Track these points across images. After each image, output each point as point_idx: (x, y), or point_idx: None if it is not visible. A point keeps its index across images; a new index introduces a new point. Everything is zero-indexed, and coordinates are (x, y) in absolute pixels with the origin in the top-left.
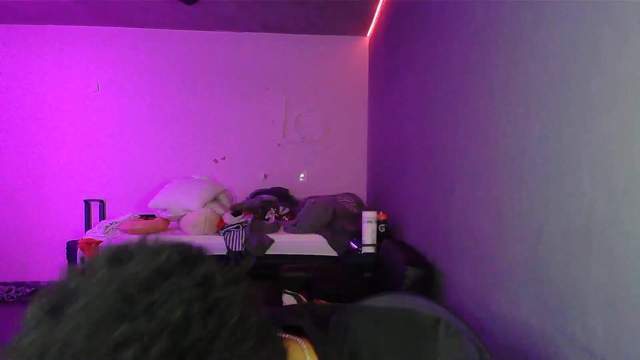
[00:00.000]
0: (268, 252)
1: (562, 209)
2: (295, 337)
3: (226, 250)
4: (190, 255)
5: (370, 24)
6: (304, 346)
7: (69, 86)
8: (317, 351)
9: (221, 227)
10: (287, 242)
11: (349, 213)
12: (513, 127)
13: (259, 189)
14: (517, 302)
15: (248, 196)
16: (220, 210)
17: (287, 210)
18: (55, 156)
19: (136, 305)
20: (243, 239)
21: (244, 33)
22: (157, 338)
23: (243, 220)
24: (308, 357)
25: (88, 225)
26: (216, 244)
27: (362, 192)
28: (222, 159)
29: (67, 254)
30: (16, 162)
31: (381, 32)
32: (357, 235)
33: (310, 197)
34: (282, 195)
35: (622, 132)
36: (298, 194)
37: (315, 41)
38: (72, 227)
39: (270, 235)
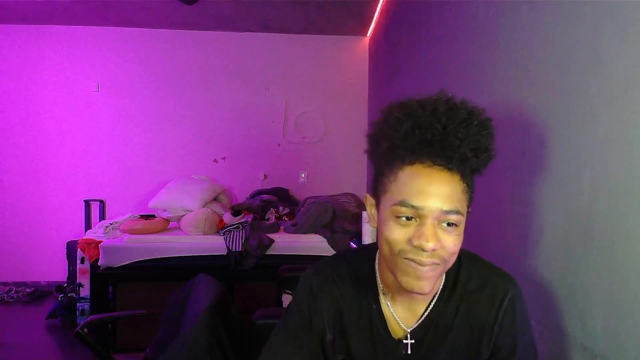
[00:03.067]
0: (268, 252)
1: (562, 209)
2: None
3: (226, 250)
4: None
5: (370, 24)
6: None
7: (69, 86)
8: None
9: (221, 227)
10: (287, 242)
11: (349, 213)
12: (513, 127)
13: (259, 189)
14: None
15: (248, 196)
16: (220, 210)
17: (287, 210)
18: (55, 156)
19: None
20: (243, 239)
21: (244, 33)
22: None
23: (243, 220)
24: None
25: (88, 225)
26: (216, 244)
27: (362, 192)
28: (222, 159)
29: (67, 254)
30: (16, 162)
31: (381, 32)
32: (357, 235)
33: (310, 197)
34: (282, 196)
35: (622, 132)
36: (298, 194)
37: (315, 41)
38: (72, 227)
39: (270, 235)
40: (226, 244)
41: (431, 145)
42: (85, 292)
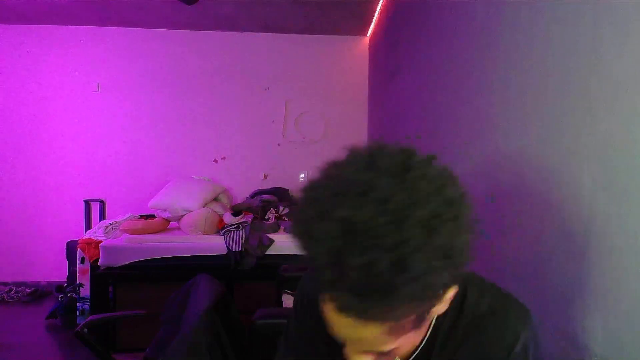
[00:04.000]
0: (268, 252)
1: (562, 209)
2: None
3: (226, 250)
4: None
5: (370, 24)
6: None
7: (69, 86)
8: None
9: (221, 227)
10: (287, 242)
11: None
12: (513, 127)
13: (259, 189)
14: None
15: (248, 196)
16: (220, 210)
17: (287, 210)
18: (55, 156)
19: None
20: (243, 239)
21: (244, 33)
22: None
23: (243, 220)
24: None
25: (88, 225)
26: (216, 244)
27: None
28: (222, 159)
29: (67, 254)
30: (16, 162)
31: (381, 32)
32: None
33: None
34: (282, 195)
35: (622, 132)
36: (298, 194)
37: (315, 41)
38: (72, 227)
39: (270, 235)
40: (226, 244)
41: None
42: (85, 292)
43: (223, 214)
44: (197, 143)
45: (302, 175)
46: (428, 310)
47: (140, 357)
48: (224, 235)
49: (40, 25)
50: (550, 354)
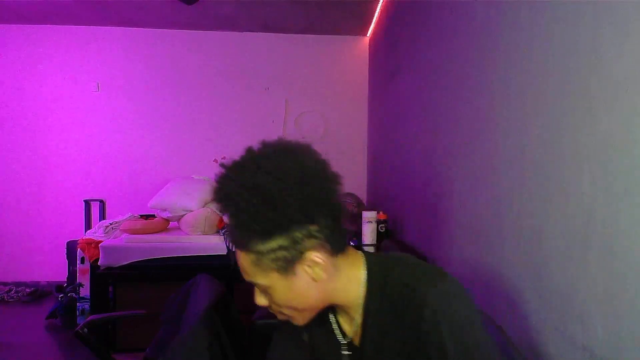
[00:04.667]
0: None
1: (562, 209)
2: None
3: (226, 250)
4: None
5: (370, 24)
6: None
7: (69, 86)
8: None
9: (221, 227)
10: None
11: (349, 213)
12: (513, 127)
13: None
14: (517, 302)
15: None
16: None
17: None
18: (55, 156)
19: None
20: None
21: (244, 33)
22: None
23: None
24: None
25: (88, 225)
26: (216, 244)
27: (362, 192)
28: (222, 159)
29: (67, 254)
30: (16, 162)
31: (381, 32)
32: (357, 235)
33: None
34: None
35: (622, 132)
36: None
37: (315, 41)
38: (72, 227)
39: None
40: (226, 244)
41: None
42: (85, 292)
43: (223, 214)
44: (197, 143)
45: None
46: (288, 260)
47: (140, 357)
48: (224, 235)
49: (40, 25)
50: (550, 354)
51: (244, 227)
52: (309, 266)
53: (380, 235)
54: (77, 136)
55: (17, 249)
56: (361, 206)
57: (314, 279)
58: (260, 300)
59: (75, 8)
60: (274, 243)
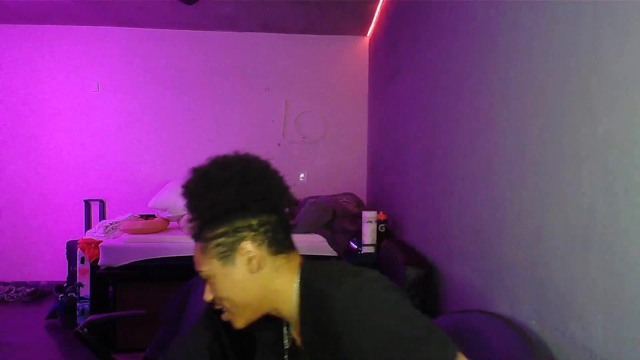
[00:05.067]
0: None
1: (562, 209)
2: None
3: None
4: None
5: (370, 24)
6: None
7: (69, 86)
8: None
9: None
10: None
11: (349, 213)
12: (513, 127)
13: None
14: (517, 302)
15: None
16: None
17: (287, 210)
18: (55, 156)
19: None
20: None
21: (244, 33)
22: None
23: None
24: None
25: (88, 225)
26: None
27: (362, 192)
28: None
29: (67, 254)
30: (16, 162)
31: (381, 32)
32: (357, 235)
33: (310, 197)
34: None
35: (622, 132)
36: (298, 194)
37: (315, 41)
38: (72, 227)
39: None
40: None
41: None
42: (85, 292)
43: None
44: (197, 143)
45: (302, 175)
46: (228, 248)
47: (140, 357)
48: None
49: (40, 25)
50: (550, 354)
51: (194, 214)
52: (246, 257)
53: (380, 235)
54: (77, 136)
55: (17, 249)
56: (361, 206)
57: (251, 272)
58: (207, 295)
59: (75, 8)
60: (217, 230)
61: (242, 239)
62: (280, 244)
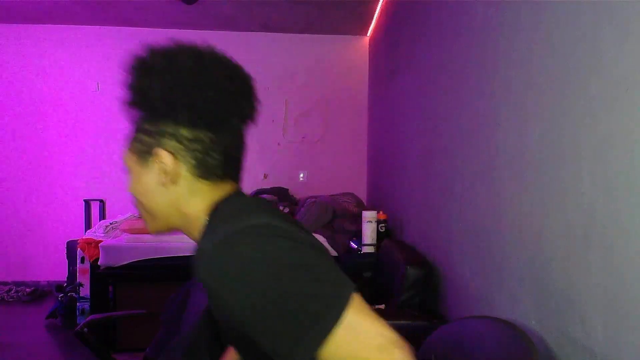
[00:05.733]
0: None
1: (562, 209)
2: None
3: None
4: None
5: (370, 24)
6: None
7: (69, 86)
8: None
9: None
10: None
11: (349, 213)
12: (513, 127)
13: (259, 188)
14: (517, 302)
15: None
16: None
17: (287, 210)
18: (55, 156)
19: None
20: None
21: (244, 33)
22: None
23: None
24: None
25: (88, 225)
26: None
27: (362, 192)
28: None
29: (67, 253)
30: (16, 162)
31: (381, 32)
32: (357, 235)
33: (310, 197)
34: (282, 195)
35: (622, 132)
36: (298, 193)
37: (315, 41)
38: (72, 227)
39: None
40: None
41: None
42: (85, 291)
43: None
44: None
45: (302, 175)
46: (145, 147)
47: (140, 357)
48: None
49: (40, 25)
50: (550, 354)
51: (127, 94)
52: (159, 166)
53: (380, 235)
54: (77, 136)
55: (17, 249)
56: (361, 206)
57: (161, 183)
58: (128, 187)
59: (75, 8)
60: (142, 125)
61: (162, 145)
62: (210, 170)
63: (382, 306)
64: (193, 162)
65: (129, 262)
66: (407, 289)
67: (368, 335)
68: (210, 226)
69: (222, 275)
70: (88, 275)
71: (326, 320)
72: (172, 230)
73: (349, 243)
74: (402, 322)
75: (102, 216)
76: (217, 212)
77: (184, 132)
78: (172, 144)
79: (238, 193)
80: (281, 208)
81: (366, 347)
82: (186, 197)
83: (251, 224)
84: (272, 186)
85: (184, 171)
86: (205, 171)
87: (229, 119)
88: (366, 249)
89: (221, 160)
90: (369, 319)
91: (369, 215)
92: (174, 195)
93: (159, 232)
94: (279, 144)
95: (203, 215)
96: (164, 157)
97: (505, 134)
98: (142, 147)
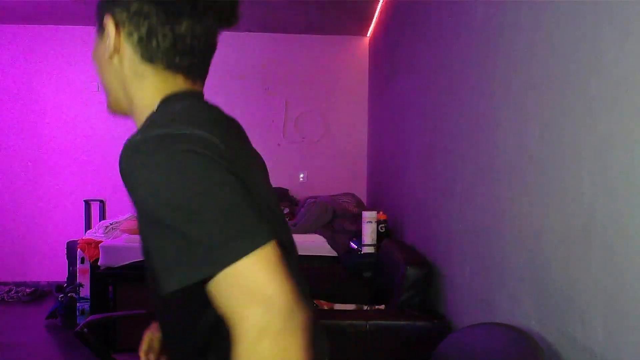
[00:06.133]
0: None
1: (562, 209)
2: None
3: None
4: None
5: (370, 24)
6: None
7: (69, 86)
8: None
9: None
10: None
11: (349, 213)
12: (513, 127)
13: None
14: (517, 302)
15: None
16: None
17: (287, 210)
18: (55, 156)
19: None
20: None
21: (244, 33)
22: None
23: None
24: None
25: (88, 225)
26: None
27: (362, 192)
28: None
29: (67, 254)
30: (16, 162)
31: (381, 32)
32: (357, 235)
33: (310, 197)
34: (282, 195)
35: (622, 132)
36: (298, 194)
37: (315, 41)
38: (72, 227)
39: None
40: None
41: None
42: (85, 292)
43: None
44: None
45: (302, 175)
46: (100, 17)
47: None
48: None
49: (40, 25)
50: (550, 354)
51: None
52: (105, 32)
53: (380, 235)
54: (77, 136)
55: (17, 249)
56: (361, 206)
57: (107, 54)
58: None
59: (75, 8)
60: None
61: (110, 11)
62: (152, 52)
63: (382, 306)
64: (136, 38)
65: (129, 262)
66: (407, 289)
67: (250, 292)
68: (147, 121)
69: (135, 175)
70: (88, 276)
71: (215, 257)
72: (126, 114)
73: (349, 243)
74: (402, 322)
75: (102, 216)
76: (160, 109)
77: (135, 5)
78: (121, 15)
79: (192, 93)
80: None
81: (246, 303)
82: (131, 78)
83: (181, 133)
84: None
85: (128, 48)
86: (148, 52)
87: (190, 4)
88: (366, 249)
89: (167, 46)
90: (269, 275)
91: (369, 216)
92: (120, 73)
93: (116, 113)
94: (279, 144)
95: (148, 106)
96: (108, 25)
97: (505, 134)
98: (99, 15)
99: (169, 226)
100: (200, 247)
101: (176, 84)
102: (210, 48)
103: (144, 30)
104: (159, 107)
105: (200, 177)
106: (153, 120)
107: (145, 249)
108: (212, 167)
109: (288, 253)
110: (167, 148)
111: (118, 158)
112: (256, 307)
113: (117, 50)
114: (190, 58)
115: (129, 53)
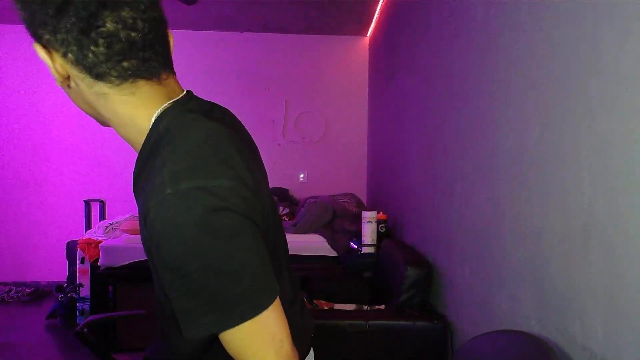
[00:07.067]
0: None
1: (562, 208)
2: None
3: None
4: None
5: (370, 24)
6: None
7: None
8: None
9: None
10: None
11: (349, 213)
12: (513, 127)
13: None
14: (517, 302)
15: None
16: None
17: (287, 210)
18: (55, 156)
19: None
20: None
21: (244, 33)
22: None
23: None
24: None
25: (88, 225)
26: None
27: (362, 192)
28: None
29: (67, 254)
30: (16, 162)
31: (381, 32)
32: (357, 235)
33: (310, 197)
34: (282, 195)
35: (622, 132)
36: (298, 194)
37: (315, 41)
38: (72, 227)
39: None
40: None
41: None
42: (85, 292)
43: None
44: None
45: (302, 175)
46: (40, 38)
47: (140, 357)
48: None
49: None
50: (550, 354)
51: None
52: (47, 65)
53: (380, 235)
54: (77, 136)
55: (17, 249)
56: (361, 206)
57: (59, 83)
58: None
59: None
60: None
61: (35, 39)
62: (93, 66)
63: (382, 306)
64: (72, 57)
65: (129, 262)
66: (407, 289)
67: (270, 338)
68: (168, 164)
69: (167, 231)
70: (88, 276)
71: (239, 311)
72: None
73: (349, 243)
74: (402, 322)
75: (102, 216)
76: (168, 141)
77: (50, 24)
78: (48, 39)
79: (176, 104)
80: (281, 208)
81: (264, 346)
82: (95, 99)
83: (210, 186)
84: (272, 186)
85: (73, 70)
86: (92, 68)
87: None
88: (366, 249)
89: (103, 51)
90: (278, 322)
91: (369, 216)
92: (84, 96)
93: (107, 126)
94: (279, 144)
95: (129, 125)
96: (39, 54)
97: (505, 134)
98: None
99: (196, 280)
100: (227, 301)
101: (149, 92)
102: (155, 31)
103: (74, 45)
104: (163, 136)
105: (231, 237)
106: (174, 161)
107: (161, 286)
108: (240, 224)
109: (279, 257)
110: (199, 206)
111: (147, 210)
112: (273, 353)
113: (64, 76)
114: (136, 55)
115: (78, 75)
